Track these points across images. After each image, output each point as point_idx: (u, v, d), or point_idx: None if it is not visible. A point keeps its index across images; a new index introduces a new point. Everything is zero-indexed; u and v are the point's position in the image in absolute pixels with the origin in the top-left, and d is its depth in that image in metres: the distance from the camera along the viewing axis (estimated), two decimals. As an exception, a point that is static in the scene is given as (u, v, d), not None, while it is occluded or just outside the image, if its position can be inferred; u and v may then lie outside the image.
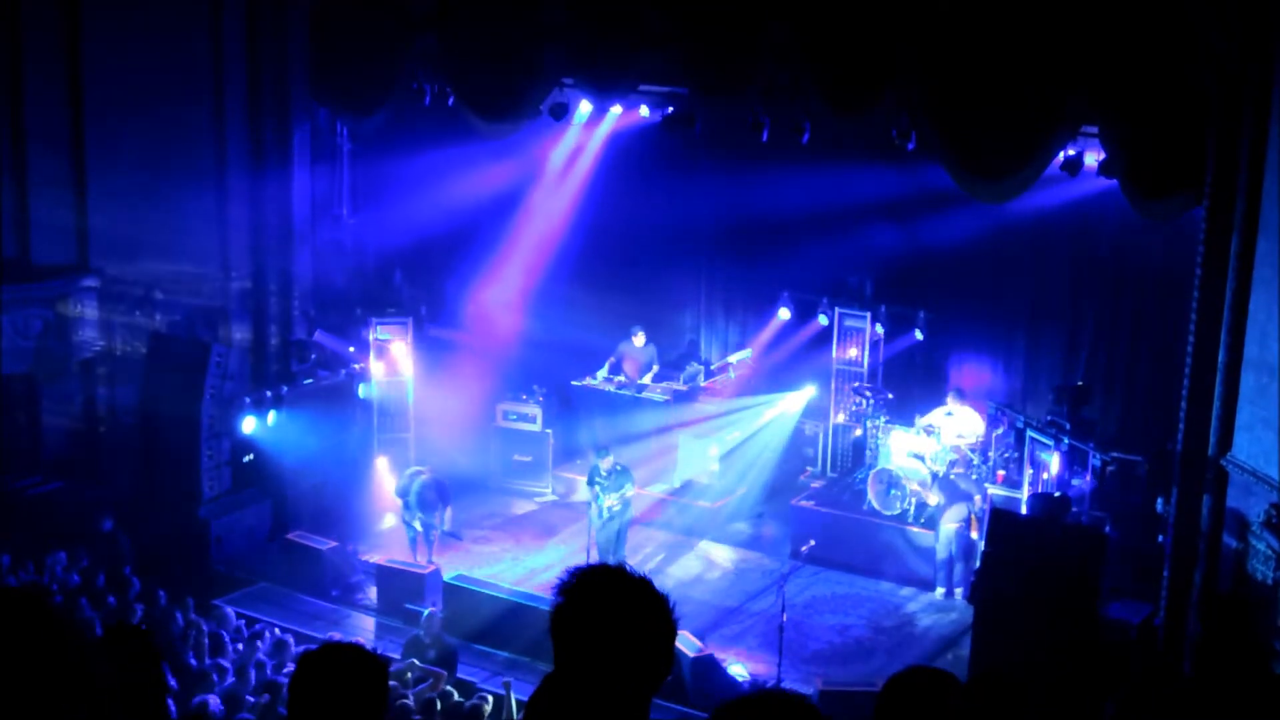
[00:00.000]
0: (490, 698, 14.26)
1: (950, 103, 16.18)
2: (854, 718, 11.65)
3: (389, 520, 20.21)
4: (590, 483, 18.70)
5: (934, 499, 19.02)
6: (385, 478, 20.59)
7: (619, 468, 18.73)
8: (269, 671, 14.14)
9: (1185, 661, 14.63)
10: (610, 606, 3.19)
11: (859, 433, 21.11)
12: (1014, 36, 15.60)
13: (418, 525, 18.92)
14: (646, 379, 21.89)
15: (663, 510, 20.59)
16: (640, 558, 18.95)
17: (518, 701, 14.18)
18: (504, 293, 22.58)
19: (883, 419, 20.31)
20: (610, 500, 18.45)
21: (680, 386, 21.81)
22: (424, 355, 21.83)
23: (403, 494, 19.07)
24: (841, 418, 21.37)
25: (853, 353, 21.29)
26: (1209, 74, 14.21)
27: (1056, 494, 17.10)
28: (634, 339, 22.09)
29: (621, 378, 21.94)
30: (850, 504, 19.95)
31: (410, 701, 13.23)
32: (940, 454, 19.24)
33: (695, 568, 19.63)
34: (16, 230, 18.70)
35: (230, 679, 13.55)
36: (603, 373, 21.91)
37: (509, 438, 21.98)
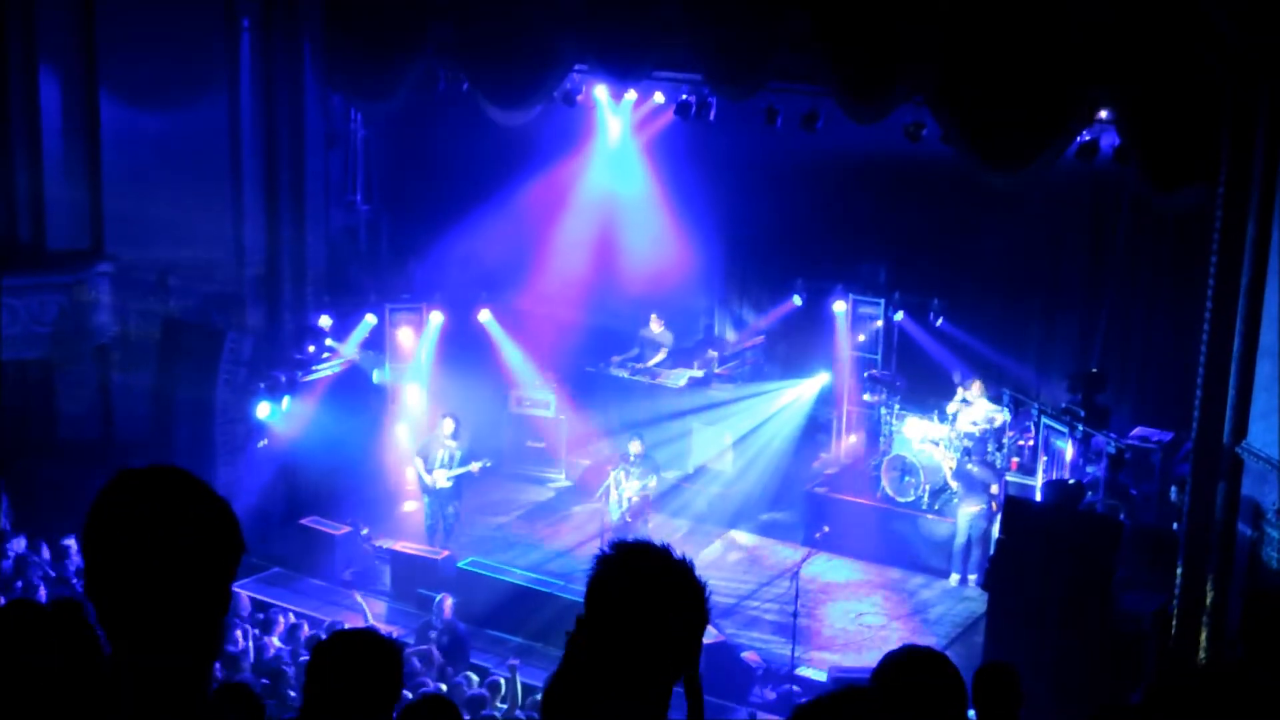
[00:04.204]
0: (502, 681, 14.29)
1: (966, 90, 16.14)
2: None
3: (410, 505, 20.26)
4: (615, 467, 18.61)
5: (950, 485, 19.01)
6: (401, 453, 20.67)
7: (648, 456, 18.66)
8: (282, 656, 14.20)
9: (1200, 650, 14.63)
10: (648, 584, 3.17)
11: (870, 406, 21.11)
12: (1030, 24, 15.56)
13: (441, 481, 18.88)
14: (653, 362, 21.92)
15: (677, 496, 20.59)
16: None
17: (524, 685, 14.22)
18: (519, 279, 22.57)
19: (897, 405, 20.30)
20: (631, 489, 18.35)
21: (695, 373, 21.82)
22: (438, 340, 21.84)
23: (424, 454, 19.09)
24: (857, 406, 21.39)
25: (866, 339, 21.30)
26: (1225, 63, 14.16)
27: (1071, 481, 17.09)
28: (651, 325, 22.10)
29: (635, 365, 21.98)
30: (864, 490, 19.95)
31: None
32: (955, 441, 19.23)
33: (709, 554, 19.62)
34: (32, 216, 18.72)
35: (246, 662, 13.60)
36: (624, 371, 22.00)
37: (523, 424, 21.98)
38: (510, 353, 22.04)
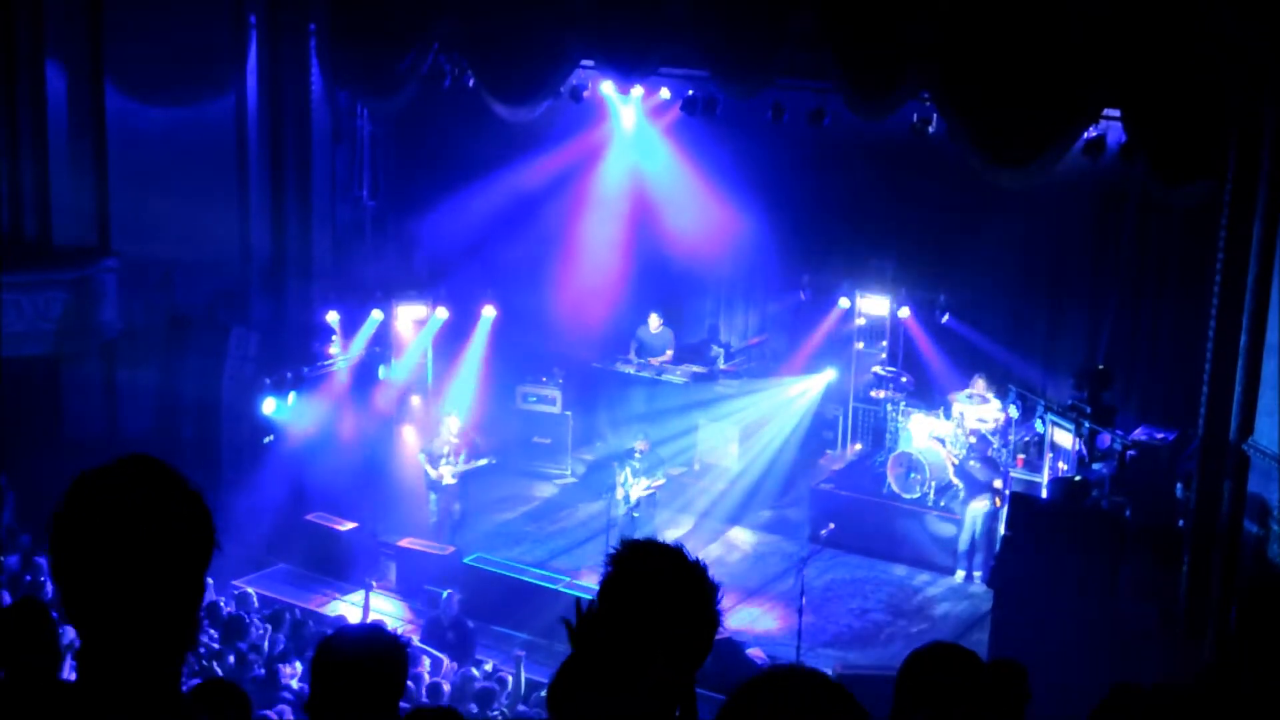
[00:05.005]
0: (509, 677, 14.30)
1: (972, 87, 16.11)
2: (872, 702, 11.66)
3: (403, 505, 20.33)
4: (621, 464, 18.66)
5: (955, 482, 19.00)
6: (412, 444, 20.67)
7: (653, 453, 18.72)
8: (288, 651, 14.21)
9: (1206, 647, 14.62)
10: (660, 584, 3.18)
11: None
12: (1036, 21, 15.54)
13: (447, 478, 18.89)
14: (658, 361, 21.90)
15: (682, 492, 20.58)
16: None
17: (528, 681, 14.23)
18: (526, 274, 22.56)
19: (903, 402, 20.30)
20: (639, 485, 18.37)
21: (700, 369, 21.81)
22: (444, 336, 21.83)
23: (430, 450, 19.10)
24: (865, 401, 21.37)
25: (872, 335, 21.27)
26: (1232, 61, 14.14)
27: (1076, 478, 17.07)
28: (649, 323, 22.09)
29: (641, 361, 21.97)
30: (870, 487, 19.94)
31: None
32: (961, 437, 19.22)
33: (714, 550, 19.61)
34: (37, 212, 18.73)
35: (251, 659, 13.60)
36: (630, 367, 22.00)
37: (529, 420, 21.98)
38: (472, 358, 21.97)
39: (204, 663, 13.05)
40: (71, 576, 2.69)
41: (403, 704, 4.69)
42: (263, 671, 13.18)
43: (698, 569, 3.21)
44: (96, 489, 2.72)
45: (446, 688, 13.54)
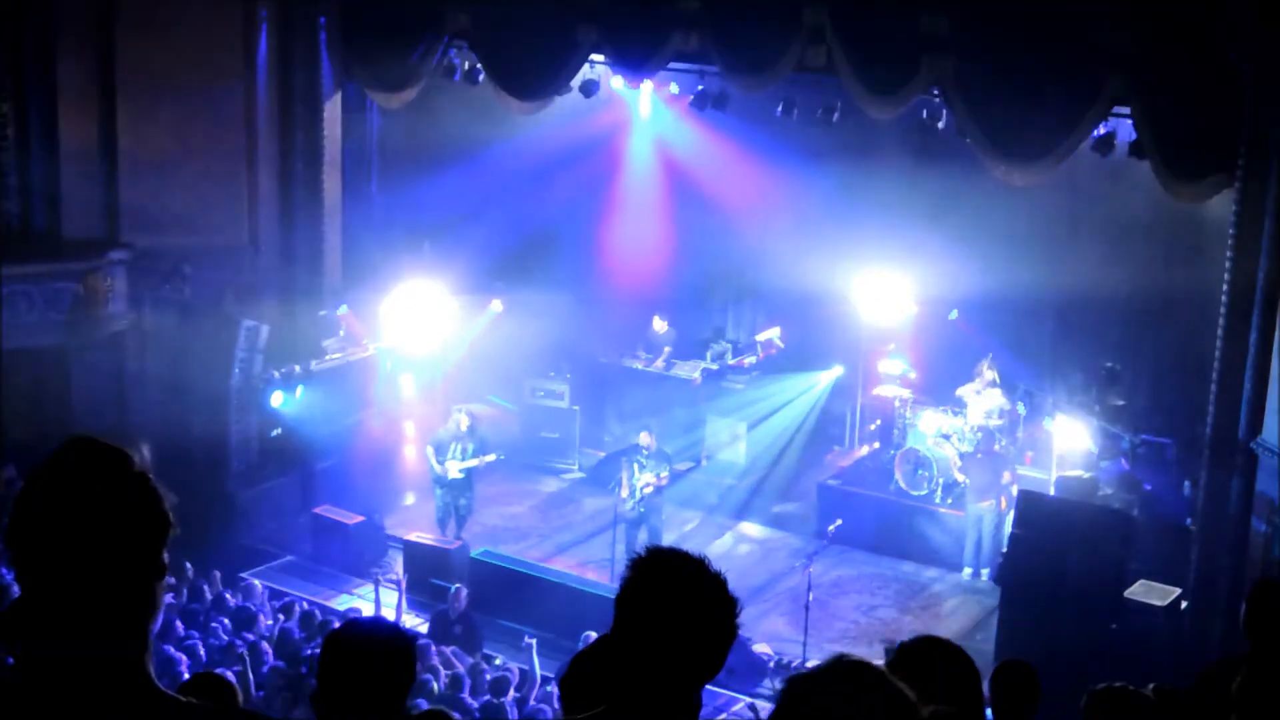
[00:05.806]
0: (517, 669, 14.30)
1: (982, 83, 16.11)
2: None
3: (409, 499, 20.35)
4: (628, 459, 18.65)
5: (962, 479, 18.98)
6: (414, 443, 20.67)
7: (660, 449, 18.74)
8: (297, 645, 14.22)
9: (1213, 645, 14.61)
10: (680, 593, 3.15)
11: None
12: (1047, 17, 15.52)
13: (453, 472, 18.88)
14: (659, 363, 21.88)
15: (689, 488, 20.57)
16: (667, 536, 18.91)
17: (543, 675, 14.24)
18: (533, 267, 22.54)
19: (911, 398, 20.26)
20: (644, 480, 18.35)
21: (709, 365, 21.79)
22: (453, 330, 21.82)
23: (437, 445, 19.07)
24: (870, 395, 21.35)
25: (881, 332, 21.21)
26: (1243, 58, 14.13)
27: (1084, 476, 17.05)
28: (654, 323, 22.06)
29: (648, 356, 21.96)
30: (877, 483, 19.92)
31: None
32: (969, 434, 19.19)
33: (721, 546, 19.58)
34: (47, 204, 18.75)
35: (264, 650, 13.62)
36: (638, 362, 21.99)
37: (537, 414, 21.97)
38: (475, 350, 21.96)
39: (214, 655, 13.08)
40: (23, 564, 2.68)
41: (420, 700, 4.70)
42: (281, 663, 13.21)
43: (719, 581, 3.18)
44: (38, 479, 2.71)
45: (468, 680, 13.57)
